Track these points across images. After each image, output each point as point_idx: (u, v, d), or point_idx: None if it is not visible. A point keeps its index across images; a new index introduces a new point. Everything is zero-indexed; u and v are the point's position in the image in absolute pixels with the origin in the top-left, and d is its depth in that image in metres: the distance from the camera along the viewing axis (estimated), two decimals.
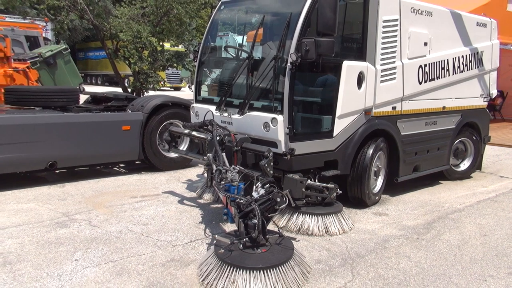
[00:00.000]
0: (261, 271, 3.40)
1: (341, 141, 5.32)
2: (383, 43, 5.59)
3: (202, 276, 3.62)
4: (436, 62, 6.45)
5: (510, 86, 15.08)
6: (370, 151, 5.59)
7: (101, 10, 14.14)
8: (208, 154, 4.83)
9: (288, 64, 4.69)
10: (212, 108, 5.53)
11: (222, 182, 4.13)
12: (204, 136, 5.37)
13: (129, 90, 14.64)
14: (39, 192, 6.03)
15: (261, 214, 3.64)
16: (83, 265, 3.87)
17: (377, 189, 5.91)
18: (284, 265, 3.53)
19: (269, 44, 5.40)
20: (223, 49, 6.13)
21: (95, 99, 8.24)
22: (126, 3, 13.32)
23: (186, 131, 5.78)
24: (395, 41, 5.76)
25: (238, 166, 4.43)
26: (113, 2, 17.97)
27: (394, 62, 5.78)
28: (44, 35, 18.36)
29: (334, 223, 4.83)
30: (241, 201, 3.76)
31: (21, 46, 13.93)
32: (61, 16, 13.83)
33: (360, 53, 5.50)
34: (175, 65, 15.98)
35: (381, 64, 5.61)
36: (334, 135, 5.21)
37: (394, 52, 5.77)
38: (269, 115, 4.87)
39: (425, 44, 6.23)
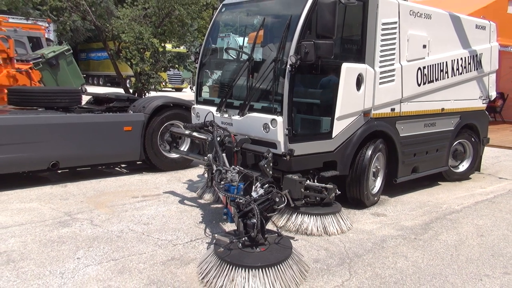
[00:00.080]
0: (260, 270, 3.45)
1: (340, 142, 5.37)
2: (382, 45, 5.63)
3: (202, 274, 3.68)
4: (435, 64, 6.49)
5: (511, 88, 15.07)
6: (369, 152, 5.63)
7: (103, 11, 14.18)
8: (209, 155, 4.88)
9: (288, 66, 4.74)
10: (213, 109, 5.58)
11: (222, 182, 4.18)
12: (204, 137, 5.42)
13: (131, 91, 14.67)
14: (41, 192, 6.09)
15: (260, 213, 3.68)
16: (85, 263, 3.93)
17: (375, 190, 5.95)
18: (283, 263, 3.58)
19: (269, 46, 5.45)
20: (224, 50, 6.19)
21: (97, 100, 8.29)
22: (128, 4, 13.36)
23: (187, 132, 5.83)
24: (394, 43, 5.80)
25: (238, 166, 4.47)
26: (115, 3, 18.01)
27: (393, 64, 5.83)
28: (46, 36, 18.44)
29: (333, 223, 4.88)
30: (241, 201, 3.80)
31: (23, 47, 13.94)
32: (63, 17, 13.87)
33: (359, 55, 5.54)
34: (177, 66, 16.00)
35: (380, 66, 5.66)
36: (333, 136, 5.26)
37: (393, 54, 5.81)
38: (268, 116, 4.92)
39: (424, 46, 6.27)
